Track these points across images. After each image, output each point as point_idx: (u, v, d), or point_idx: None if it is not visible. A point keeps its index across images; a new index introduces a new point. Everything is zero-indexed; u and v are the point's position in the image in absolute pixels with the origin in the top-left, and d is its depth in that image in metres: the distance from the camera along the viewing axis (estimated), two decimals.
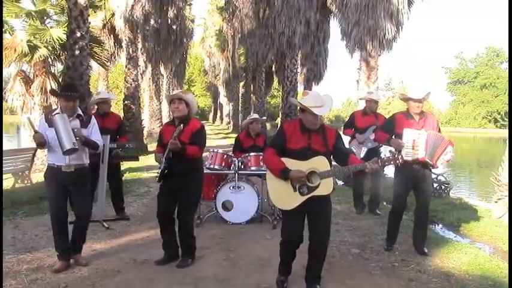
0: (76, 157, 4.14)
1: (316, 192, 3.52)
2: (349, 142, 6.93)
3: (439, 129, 4.84)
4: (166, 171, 4.21)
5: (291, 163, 3.52)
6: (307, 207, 3.56)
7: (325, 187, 3.52)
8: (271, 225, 5.89)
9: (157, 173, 4.32)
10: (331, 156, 3.67)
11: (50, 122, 4.07)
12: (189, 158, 4.27)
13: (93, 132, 4.31)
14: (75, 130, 4.05)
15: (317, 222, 3.63)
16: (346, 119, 7.63)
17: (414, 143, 4.62)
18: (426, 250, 4.84)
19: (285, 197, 3.56)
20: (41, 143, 4.03)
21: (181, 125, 4.17)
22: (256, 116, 7.00)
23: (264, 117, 6.98)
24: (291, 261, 3.86)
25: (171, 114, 4.43)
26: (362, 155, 6.64)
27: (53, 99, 11.23)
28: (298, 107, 3.68)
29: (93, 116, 4.51)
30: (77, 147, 3.98)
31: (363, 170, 3.52)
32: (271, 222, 5.97)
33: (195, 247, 4.48)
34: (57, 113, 4.13)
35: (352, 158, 3.60)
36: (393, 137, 4.87)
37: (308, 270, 3.79)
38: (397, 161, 3.59)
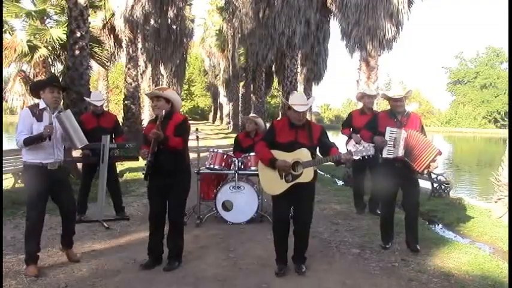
0: (60, 154, 4.14)
1: (299, 180, 4.03)
2: (346, 142, 6.91)
3: (422, 128, 4.92)
4: (151, 166, 4.22)
5: (278, 154, 4.04)
6: (293, 195, 4.06)
7: (306, 175, 4.04)
8: (271, 225, 5.86)
9: (143, 170, 4.35)
10: (317, 149, 4.18)
11: (38, 116, 4.00)
12: (177, 156, 4.27)
13: None
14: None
15: (301, 207, 4.17)
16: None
17: (395, 141, 4.70)
18: (419, 247, 4.85)
19: (273, 183, 4.10)
20: (50, 137, 3.92)
21: (163, 112, 4.19)
22: (250, 115, 7.02)
23: (254, 115, 7.01)
24: (285, 250, 4.24)
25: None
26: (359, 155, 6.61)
27: None
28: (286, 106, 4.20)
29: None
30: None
31: (339, 160, 4.03)
32: (271, 222, 5.95)
33: (182, 250, 4.43)
34: (40, 109, 4.06)
35: (332, 150, 4.10)
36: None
37: (295, 250, 4.28)
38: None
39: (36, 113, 4.02)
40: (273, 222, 4.34)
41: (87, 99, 6.41)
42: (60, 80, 11.51)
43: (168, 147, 4.19)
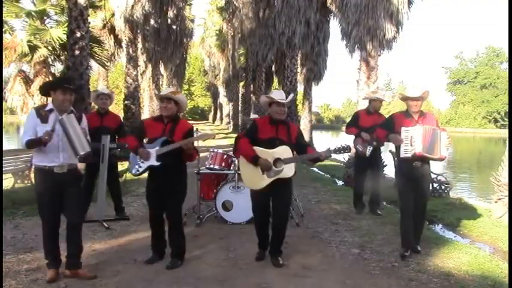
0: (69, 156, 3.92)
1: (280, 175, 4.24)
2: (354, 141, 6.90)
3: (439, 127, 4.85)
4: (156, 168, 4.25)
5: (261, 151, 4.25)
6: (272, 191, 4.29)
7: (287, 171, 4.26)
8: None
9: (137, 168, 4.34)
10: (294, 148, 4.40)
11: (43, 118, 3.85)
12: (180, 158, 4.33)
13: (85, 132, 4.12)
14: (83, 129, 3.95)
15: (278, 203, 4.37)
16: (347, 119, 7.60)
17: (411, 139, 4.66)
18: (419, 248, 4.85)
19: (255, 179, 4.30)
20: (45, 144, 3.75)
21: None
22: (253, 116, 7.02)
23: (255, 116, 7.02)
24: (266, 239, 4.53)
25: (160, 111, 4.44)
26: (368, 154, 6.62)
27: None
28: (267, 105, 4.44)
29: (83, 114, 4.26)
30: (89, 150, 3.89)
31: (319, 157, 4.30)
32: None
33: (184, 249, 4.45)
34: (46, 110, 3.92)
35: (309, 150, 4.42)
36: None
37: (271, 243, 4.49)
38: (347, 151, 4.30)
39: (42, 114, 3.88)
40: (254, 214, 4.62)
41: (92, 93, 6.38)
42: None
43: (189, 158, 4.36)
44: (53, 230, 4.00)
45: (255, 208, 4.54)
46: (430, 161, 4.91)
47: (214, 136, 4.61)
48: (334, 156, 4.47)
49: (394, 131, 4.82)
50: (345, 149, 4.27)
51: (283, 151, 4.27)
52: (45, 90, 4.09)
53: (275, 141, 4.29)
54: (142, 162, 4.32)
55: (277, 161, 4.25)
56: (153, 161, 4.25)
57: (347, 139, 7.17)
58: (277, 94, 4.44)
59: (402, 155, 4.71)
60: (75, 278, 3.95)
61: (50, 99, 4.07)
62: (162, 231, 4.49)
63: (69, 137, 3.80)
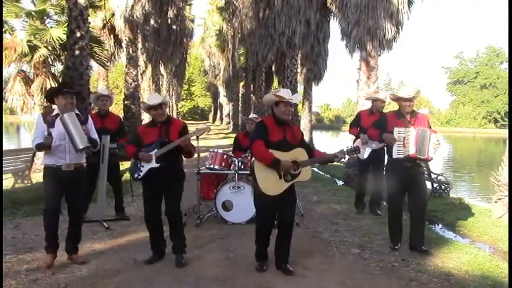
0: (76, 156, 4.25)
1: (298, 179, 4.08)
2: (354, 141, 6.89)
3: (430, 128, 4.89)
4: (155, 169, 4.29)
5: (276, 154, 3.96)
6: (279, 196, 4.02)
7: (305, 174, 4.10)
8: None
9: (138, 172, 4.38)
10: None
11: (50, 123, 4.18)
12: (178, 158, 4.42)
13: (92, 131, 4.45)
14: (84, 128, 4.22)
15: (285, 206, 4.14)
16: (347, 119, 7.60)
17: (404, 140, 4.67)
18: (425, 248, 4.84)
19: (273, 183, 4.00)
20: (50, 146, 4.14)
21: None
22: (251, 115, 7.04)
23: (255, 115, 7.03)
24: (266, 248, 4.30)
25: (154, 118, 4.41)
26: (365, 156, 6.61)
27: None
28: (273, 104, 4.13)
29: (89, 116, 4.61)
30: (89, 145, 4.20)
31: (332, 158, 4.19)
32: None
33: (185, 239, 4.50)
34: (53, 115, 4.24)
35: (316, 152, 4.34)
36: None
37: (281, 252, 4.25)
38: (358, 152, 4.33)
39: (49, 119, 4.21)
40: (259, 221, 4.25)
41: (92, 95, 6.46)
42: (60, 80, 11.58)
43: (188, 154, 4.39)
44: (54, 219, 4.25)
45: (261, 215, 4.21)
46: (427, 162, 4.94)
47: (210, 129, 4.64)
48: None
49: (387, 131, 4.85)
50: (356, 150, 4.28)
51: (299, 153, 4.06)
52: (49, 97, 4.45)
53: (283, 144, 4.03)
54: (143, 166, 4.35)
55: (294, 163, 4.01)
56: (153, 163, 4.28)
57: (348, 139, 7.17)
58: (286, 93, 4.09)
59: (395, 155, 4.75)
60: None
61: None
62: (160, 231, 4.51)
63: (69, 132, 4.09)
